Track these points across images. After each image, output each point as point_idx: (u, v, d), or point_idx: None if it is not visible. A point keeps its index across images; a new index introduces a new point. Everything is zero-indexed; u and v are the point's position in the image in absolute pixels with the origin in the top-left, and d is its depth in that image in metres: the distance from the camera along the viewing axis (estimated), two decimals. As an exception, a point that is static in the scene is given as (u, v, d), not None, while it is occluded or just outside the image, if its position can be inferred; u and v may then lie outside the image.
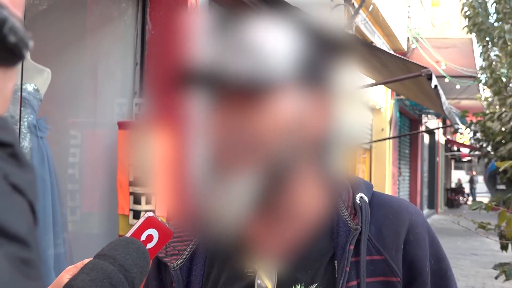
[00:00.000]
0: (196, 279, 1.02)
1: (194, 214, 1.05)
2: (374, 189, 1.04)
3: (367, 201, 1.01)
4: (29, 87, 3.40)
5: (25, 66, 3.25)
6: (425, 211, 20.88)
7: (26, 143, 3.34)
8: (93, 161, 3.96)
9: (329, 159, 1.04)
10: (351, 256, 0.95)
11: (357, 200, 1.00)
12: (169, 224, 0.99)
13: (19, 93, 3.26)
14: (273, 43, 0.89)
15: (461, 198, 28.28)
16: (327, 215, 1.00)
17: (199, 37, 0.92)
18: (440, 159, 24.90)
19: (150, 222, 0.89)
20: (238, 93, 0.88)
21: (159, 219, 0.90)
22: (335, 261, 0.96)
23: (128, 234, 0.88)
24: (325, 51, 0.96)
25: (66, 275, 0.83)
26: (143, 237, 0.89)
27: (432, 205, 22.82)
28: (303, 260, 0.98)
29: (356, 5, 8.86)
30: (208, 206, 0.95)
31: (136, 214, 3.54)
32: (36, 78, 3.47)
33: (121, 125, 3.61)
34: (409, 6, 13.59)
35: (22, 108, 3.31)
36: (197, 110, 0.92)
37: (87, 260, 0.83)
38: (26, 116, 3.36)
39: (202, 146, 0.92)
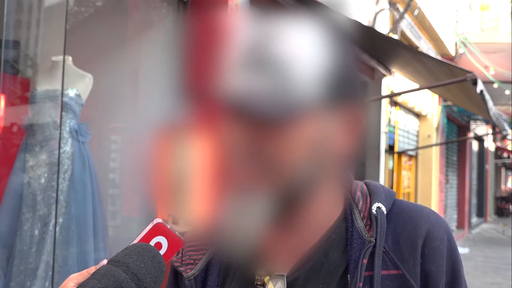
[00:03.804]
0: None
1: (213, 224, 1.03)
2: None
3: (385, 212, 0.95)
4: (71, 92, 3.45)
5: (66, 71, 3.29)
6: (474, 219, 20.44)
7: (67, 148, 3.39)
8: (133, 166, 3.99)
9: (351, 173, 1.01)
10: (366, 270, 0.90)
11: (373, 211, 0.95)
12: (184, 233, 0.96)
13: (61, 98, 3.30)
14: (303, 60, 0.84)
15: (511, 206, 27.62)
16: (342, 226, 0.95)
17: (237, 43, 0.89)
18: (490, 167, 24.35)
19: (159, 229, 0.85)
20: (263, 114, 0.83)
21: (169, 227, 0.85)
22: (348, 275, 0.91)
23: (136, 241, 0.84)
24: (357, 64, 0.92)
25: (70, 283, 0.80)
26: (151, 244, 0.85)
27: (481, 213, 22.32)
28: (314, 273, 0.93)
29: (401, 10, 8.73)
30: (227, 217, 0.92)
31: (175, 219, 3.55)
32: (77, 83, 3.52)
33: (161, 131, 3.63)
34: (457, 10, 13.35)
35: (63, 113, 3.36)
36: (219, 125, 0.89)
37: (92, 269, 0.80)
38: (68, 121, 3.40)
39: (225, 159, 0.89)
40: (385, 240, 0.93)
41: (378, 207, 0.95)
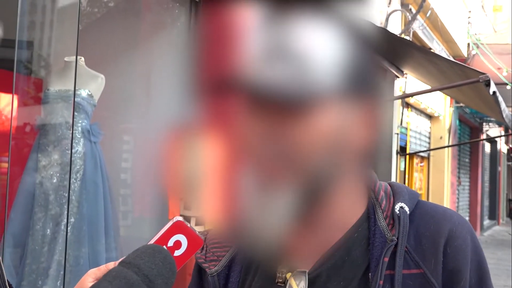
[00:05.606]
0: (233, 286, 0.99)
1: (233, 221, 1.03)
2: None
3: (407, 211, 0.95)
4: (83, 92, 3.46)
5: (79, 72, 3.31)
6: (486, 222, 20.31)
7: (79, 148, 3.40)
8: (145, 167, 4.00)
9: (372, 169, 1.00)
10: (387, 269, 0.90)
11: (396, 210, 0.95)
12: (208, 231, 0.95)
13: (73, 99, 3.32)
14: (320, 50, 0.85)
15: (524, 209, 27.46)
16: (365, 225, 0.95)
17: (247, 42, 0.89)
18: (502, 169, 24.20)
19: (178, 227, 0.84)
20: (282, 103, 0.83)
21: (188, 225, 0.85)
22: (370, 274, 0.91)
23: (155, 238, 0.84)
24: (375, 56, 0.92)
25: (88, 279, 0.81)
26: (170, 243, 0.84)
27: (493, 216, 22.18)
28: (336, 270, 0.93)
29: (414, 11, 8.70)
30: (246, 214, 0.91)
31: (186, 220, 3.56)
32: (90, 84, 3.53)
33: (173, 131, 3.64)
34: (470, 11, 13.27)
35: (75, 113, 3.38)
36: (237, 118, 0.89)
37: (111, 264, 0.81)
38: (80, 121, 3.42)
39: (241, 154, 0.89)
40: (407, 239, 0.93)
41: (401, 207, 0.95)
